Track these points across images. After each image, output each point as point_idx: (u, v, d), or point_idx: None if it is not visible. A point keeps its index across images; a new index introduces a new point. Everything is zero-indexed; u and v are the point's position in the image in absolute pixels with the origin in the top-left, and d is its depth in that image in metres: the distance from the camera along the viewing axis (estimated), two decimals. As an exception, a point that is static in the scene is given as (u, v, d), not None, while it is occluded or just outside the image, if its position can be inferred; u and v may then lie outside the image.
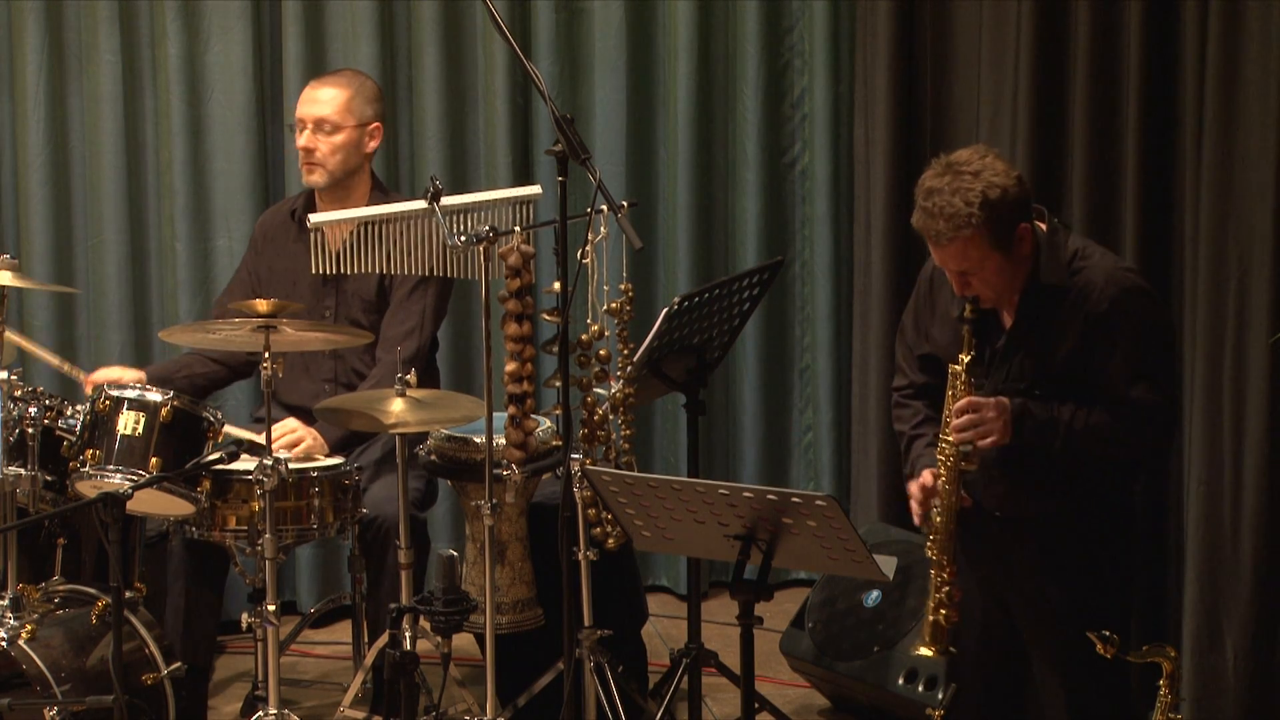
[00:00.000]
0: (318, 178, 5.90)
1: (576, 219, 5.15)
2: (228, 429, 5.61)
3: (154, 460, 5.37)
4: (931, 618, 4.59)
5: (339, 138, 5.89)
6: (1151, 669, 4.34)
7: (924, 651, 4.61)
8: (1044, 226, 4.59)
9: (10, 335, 5.56)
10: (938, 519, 4.58)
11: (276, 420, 5.68)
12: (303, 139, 5.89)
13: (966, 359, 4.54)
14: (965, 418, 4.52)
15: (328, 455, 5.72)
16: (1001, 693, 4.82)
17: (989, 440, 4.52)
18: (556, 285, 5.10)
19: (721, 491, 4.27)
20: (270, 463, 5.28)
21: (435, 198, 5.26)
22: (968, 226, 4.42)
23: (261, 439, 5.38)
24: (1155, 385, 4.56)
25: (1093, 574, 4.66)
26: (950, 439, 4.55)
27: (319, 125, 5.89)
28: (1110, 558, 4.69)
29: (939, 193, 4.46)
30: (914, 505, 4.65)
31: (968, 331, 4.54)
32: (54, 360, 6.00)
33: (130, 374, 5.87)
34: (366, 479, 5.75)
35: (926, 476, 4.62)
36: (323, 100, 5.91)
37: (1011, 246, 4.49)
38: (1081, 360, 4.56)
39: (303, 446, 5.67)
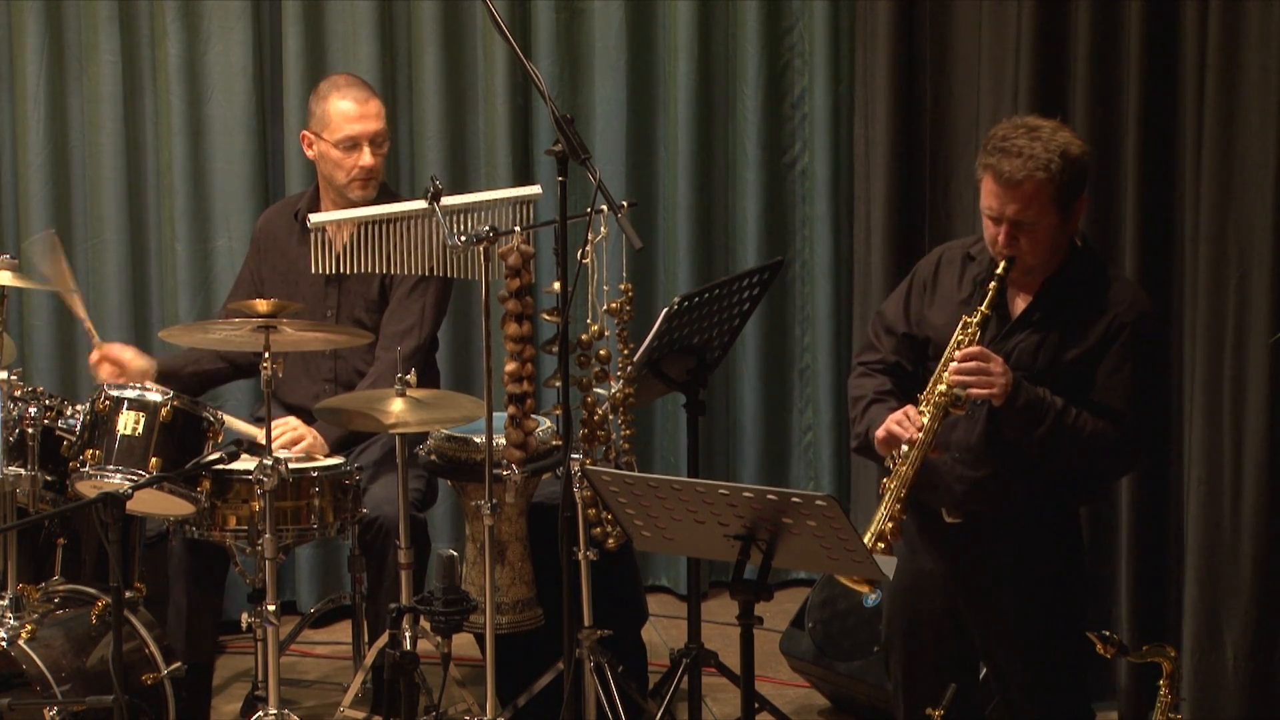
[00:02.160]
0: (373, 191, 5.90)
1: (576, 219, 5.15)
2: (227, 419, 5.60)
3: (154, 460, 5.37)
4: (868, 546, 4.59)
5: (387, 147, 5.94)
6: (1151, 669, 4.34)
7: (849, 583, 4.62)
8: (1079, 226, 4.59)
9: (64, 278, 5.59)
10: (910, 451, 4.54)
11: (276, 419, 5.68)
12: (365, 156, 5.87)
13: (985, 311, 4.53)
14: (972, 363, 4.50)
15: (327, 455, 5.72)
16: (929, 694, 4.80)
17: (987, 391, 4.49)
18: (556, 285, 5.10)
19: (721, 491, 4.27)
20: (270, 463, 5.28)
21: (435, 198, 5.27)
22: (1044, 170, 4.42)
23: (262, 434, 5.39)
24: (1144, 414, 4.60)
25: (1049, 578, 4.69)
26: (947, 379, 4.52)
27: (376, 139, 5.89)
28: (1065, 561, 4.72)
29: (1018, 138, 4.46)
30: (893, 425, 4.55)
31: (994, 289, 4.51)
32: (83, 315, 5.93)
33: (140, 362, 5.85)
34: (366, 479, 5.75)
35: (911, 409, 4.58)
36: (376, 114, 5.90)
37: (1070, 214, 4.49)
38: (1089, 365, 4.55)
39: (303, 445, 5.67)
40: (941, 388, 4.54)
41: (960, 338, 4.55)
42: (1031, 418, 4.53)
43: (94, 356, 5.82)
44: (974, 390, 4.52)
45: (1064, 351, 4.57)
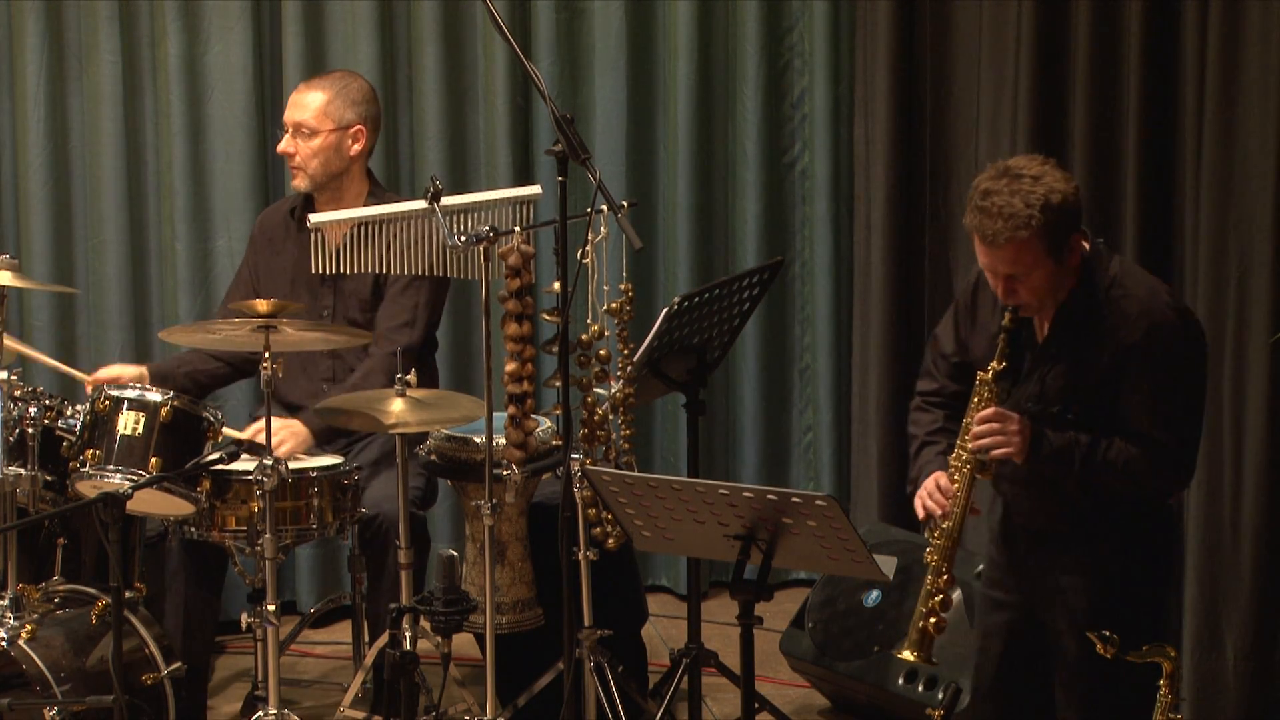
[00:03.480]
0: (299, 181, 5.91)
1: (576, 219, 5.15)
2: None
3: (154, 460, 5.37)
4: (920, 623, 4.54)
5: (316, 142, 5.87)
6: (1151, 669, 4.33)
7: (907, 656, 4.57)
8: (1087, 245, 4.50)
9: (10, 342, 5.56)
10: (944, 524, 4.52)
11: (277, 419, 5.68)
12: (282, 143, 5.90)
13: (997, 368, 4.47)
14: (987, 425, 4.45)
15: (314, 445, 5.70)
16: (1015, 711, 4.76)
17: (1003, 452, 4.44)
18: (556, 285, 5.10)
19: (721, 491, 4.27)
20: (270, 463, 5.28)
21: (435, 198, 5.26)
22: (1025, 228, 4.33)
23: (246, 436, 5.38)
24: (1175, 428, 4.46)
25: (1126, 598, 4.56)
26: (969, 446, 4.48)
27: (298, 129, 5.89)
28: (1144, 580, 4.59)
29: (998, 193, 4.36)
30: (926, 500, 4.54)
31: (1003, 340, 4.46)
32: (55, 364, 5.99)
33: (130, 371, 5.86)
34: (365, 477, 5.75)
35: (941, 477, 4.54)
36: (302, 105, 5.90)
37: (1064, 256, 4.40)
38: (1110, 386, 4.50)
39: (285, 449, 5.63)
40: (964, 454, 4.50)
41: (976, 399, 4.50)
42: (1060, 464, 4.46)
43: (89, 389, 5.79)
44: (995, 453, 4.46)
45: (1087, 376, 4.50)
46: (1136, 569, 4.56)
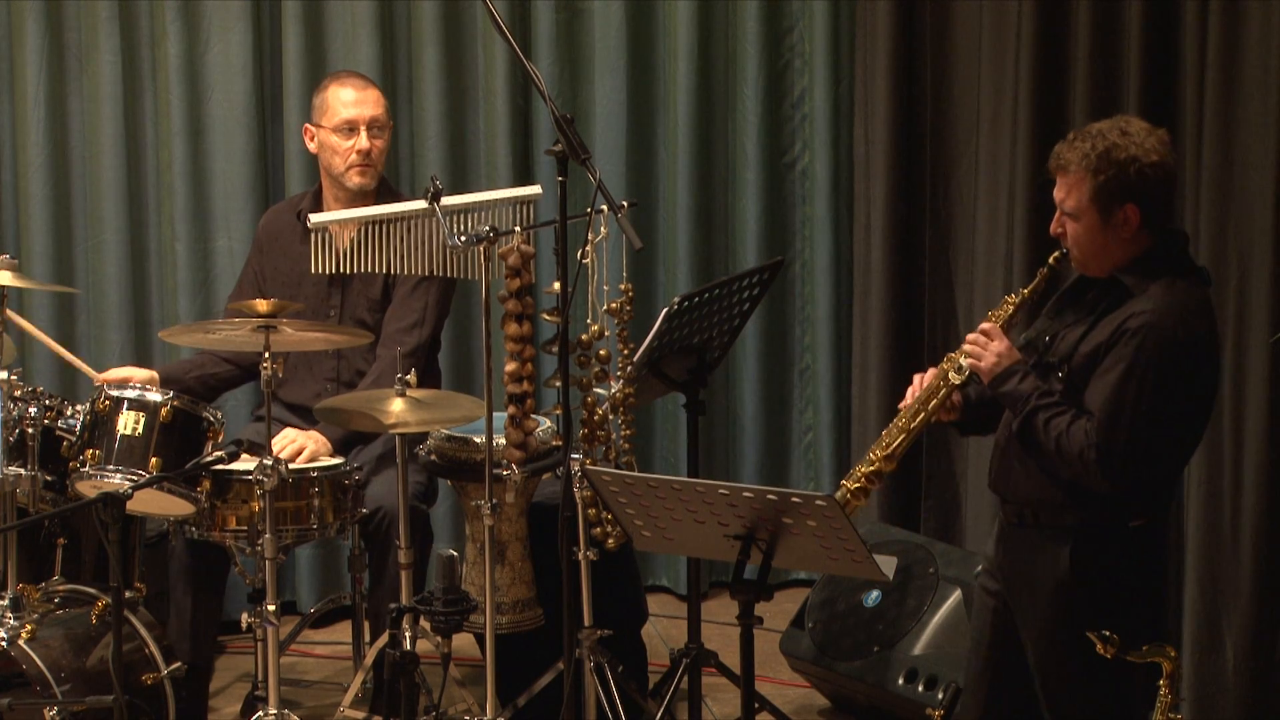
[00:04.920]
0: (371, 179, 5.92)
1: (576, 219, 5.15)
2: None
3: (154, 460, 5.37)
4: (852, 482, 4.64)
5: (386, 137, 5.96)
6: (1151, 669, 4.33)
7: (845, 487, 4.65)
8: (1146, 240, 4.48)
9: (25, 323, 5.57)
10: (901, 407, 4.63)
11: (276, 419, 5.68)
12: (362, 140, 5.89)
13: (1026, 292, 4.57)
14: (978, 335, 4.55)
15: (332, 455, 5.72)
16: (996, 704, 4.77)
17: (972, 362, 4.53)
18: (556, 285, 5.10)
19: (721, 491, 4.27)
20: (270, 463, 5.28)
21: (435, 198, 5.27)
22: (1081, 164, 4.41)
23: (256, 438, 5.38)
24: (1116, 427, 4.38)
25: (1118, 590, 4.52)
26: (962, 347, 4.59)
27: (374, 125, 5.91)
28: (1136, 570, 4.55)
29: (1092, 133, 4.46)
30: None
31: (1042, 274, 4.55)
32: (64, 353, 5.98)
33: (141, 374, 5.85)
34: (368, 473, 5.76)
35: (930, 371, 4.66)
36: (374, 101, 5.95)
37: (1111, 219, 4.43)
38: (1092, 361, 4.51)
39: (307, 453, 5.66)
40: (954, 356, 4.60)
41: (991, 313, 4.60)
42: (1013, 402, 4.51)
43: (96, 382, 5.80)
44: (967, 360, 4.56)
45: (1081, 345, 4.52)
46: (1126, 559, 4.53)
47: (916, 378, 4.69)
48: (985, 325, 4.57)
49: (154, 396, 5.43)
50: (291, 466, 5.44)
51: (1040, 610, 4.55)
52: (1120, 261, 4.49)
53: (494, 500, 5.27)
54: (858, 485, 4.65)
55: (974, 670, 4.76)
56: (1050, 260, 4.55)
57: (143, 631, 5.39)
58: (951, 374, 4.59)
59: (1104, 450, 4.39)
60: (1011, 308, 4.60)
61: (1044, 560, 4.53)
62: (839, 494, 4.64)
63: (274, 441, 5.48)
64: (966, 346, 4.57)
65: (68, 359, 5.99)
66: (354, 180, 5.90)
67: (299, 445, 5.67)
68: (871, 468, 4.66)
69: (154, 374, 5.87)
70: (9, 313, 5.46)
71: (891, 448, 4.65)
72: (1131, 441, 4.39)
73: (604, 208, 5.10)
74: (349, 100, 5.94)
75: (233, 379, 6.07)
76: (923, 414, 4.63)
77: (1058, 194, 4.50)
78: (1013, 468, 4.59)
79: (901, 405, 4.69)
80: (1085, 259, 4.52)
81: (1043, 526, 4.55)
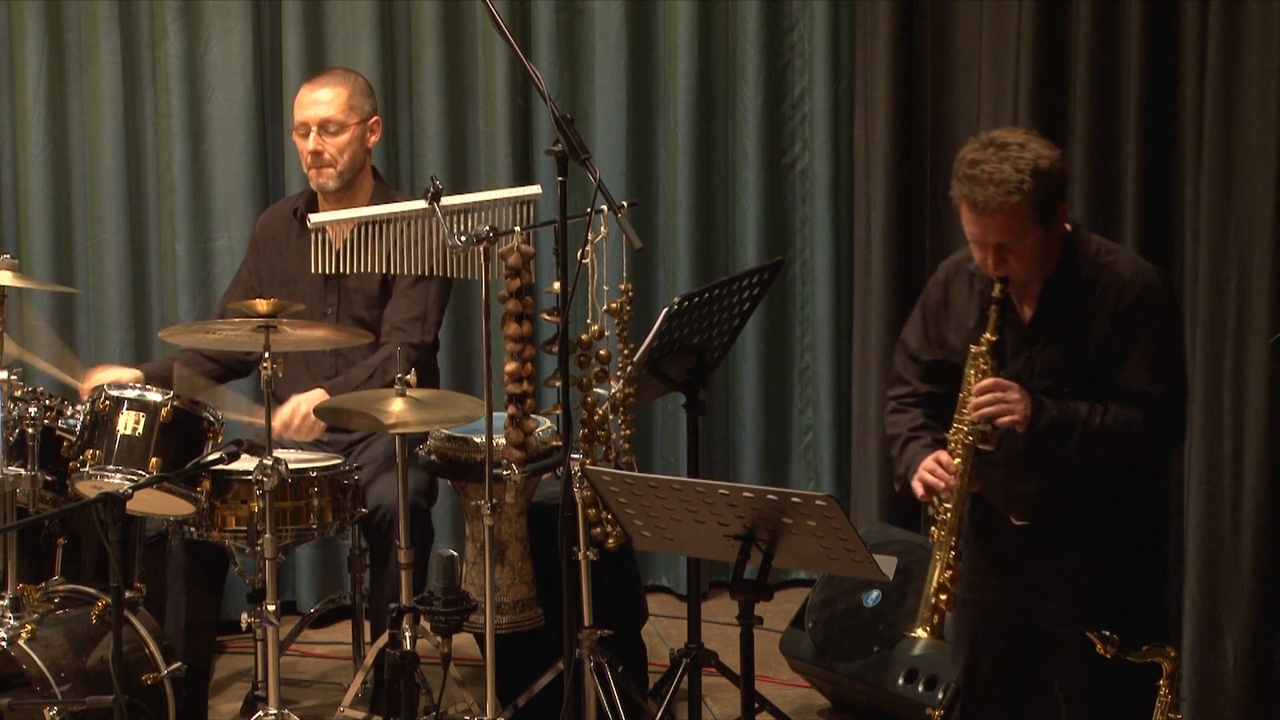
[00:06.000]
0: (328, 180, 5.90)
1: (576, 219, 5.15)
2: (227, 414, 5.60)
3: (154, 460, 5.37)
4: (933, 599, 4.53)
5: (344, 136, 5.90)
6: (1151, 669, 4.33)
7: (920, 633, 4.56)
8: (1068, 226, 4.54)
9: (10, 346, 5.57)
10: (947, 501, 4.52)
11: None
12: (310, 142, 5.89)
13: (991, 338, 4.49)
14: (988, 395, 4.46)
15: (325, 431, 5.70)
16: (1015, 708, 4.77)
17: (1009, 419, 4.45)
18: (556, 285, 5.10)
19: (721, 491, 4.27)
20: (270, 463, 5.28)
21: (435, 198, 5.27)
22: (1017, 193, 4.36)
23: (258, 419, 5.37)
24: (1170, 385, 4.52)
25: (1124, 584, 4.58)
26: (969, 417, 4.48)
27: (324, 126, 5.89)
28: (1141, 565, 4.60)
29: (986, 161, 4.39)
30: (927, 477, 4.53)
31: (994, 312, 4.48)
32: (54, 369, 5.98)
33: (127, 374, 5.85)
34: (370, 472, 5.76)
35: (940, 454, 4.54)
36: (323, 101, 5.91)
37: (1052, 223, 4.44)
38: (1107, 352, 4.51)
39: (303, 411, 5.61)
40: (965, 427, 4.50)
41: (972, 371, 4.51)
42: (1060, 433, 4.48)
43: (83, 391, 5.78)
44: (1000, 420, 4.47)
45: (1086, 347, 4.52)
46: (1130, 555, 4.58)
47: (930, 462, 4.55)
48: (986, 382, 4.48)
49: (154, 396, 5.43)
50: (291, 466, 5.43)
51: (1068, 611, 4.56)
52: (1055, 260, 4.50)
53: (494, 500, 5.27)
54: (934, 611, 4.55)
55: (980, 684, 4.75)
56: (996, 295, 4.48)
57: (143, 631, 5.39)
58: (980, 446, 4.49)
59: (1173, 414, 4.54)
60: (986, 356, 4.51)
61: (1067, 554, 4.55)
62: (918, 628, 4.55)
63: (274, 422, 5.47)
64: (987, 410, 4.46)
65: (51, 374, 5.97)
66: (313, 181, 5.92)
67: (292, 408, 5.64)
68: (949, 572, 4.53)
69: (138, 373, 5.87)
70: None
71: (951, 546, 4.53)
72: (1185, 391, 4.60)
73: (604, 208, 5.10)
74: (301, 101, 5.95)
75: (216, 377, 6.07)
76: (961, 498, 4.54)
77: (987, 236, 4.42)
78: (1022, 487, 4.59)
79: (936, 513, 4.55)
80: (1032, 275, 4.50)
81: (1064, 529, 4.56)
